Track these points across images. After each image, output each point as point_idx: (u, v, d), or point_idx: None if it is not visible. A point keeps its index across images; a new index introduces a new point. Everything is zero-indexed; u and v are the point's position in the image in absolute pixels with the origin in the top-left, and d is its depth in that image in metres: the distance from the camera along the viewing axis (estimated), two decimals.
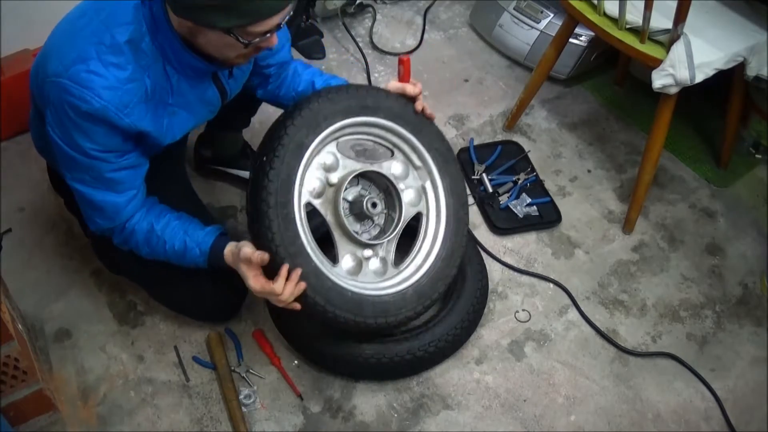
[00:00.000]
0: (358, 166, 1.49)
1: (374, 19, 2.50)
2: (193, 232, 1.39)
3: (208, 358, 1.59)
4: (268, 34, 1.21)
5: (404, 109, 1.53)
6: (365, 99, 1.48)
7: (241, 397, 1.52)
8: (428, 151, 1.56)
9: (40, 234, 1.80)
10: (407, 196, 1.54)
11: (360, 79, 2.28)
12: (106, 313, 1.66)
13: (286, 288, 1.30)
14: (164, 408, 1.52)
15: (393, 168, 1.54)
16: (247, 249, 1.32)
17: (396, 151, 1.56)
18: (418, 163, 1.56)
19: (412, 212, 1.54)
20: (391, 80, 1.54)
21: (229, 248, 1.37)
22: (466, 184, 1.96)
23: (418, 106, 1.53)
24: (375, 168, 1.50)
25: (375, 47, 2.40)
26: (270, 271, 1.32)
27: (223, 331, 1.64)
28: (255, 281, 1.31)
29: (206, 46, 1.24)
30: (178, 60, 1.27)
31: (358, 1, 2.45)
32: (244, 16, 1.14)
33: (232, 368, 1.57)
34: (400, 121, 1.52)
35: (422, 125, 1.56)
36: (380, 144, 1.57)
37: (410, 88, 1.51)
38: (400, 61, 1.53)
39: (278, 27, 1.21)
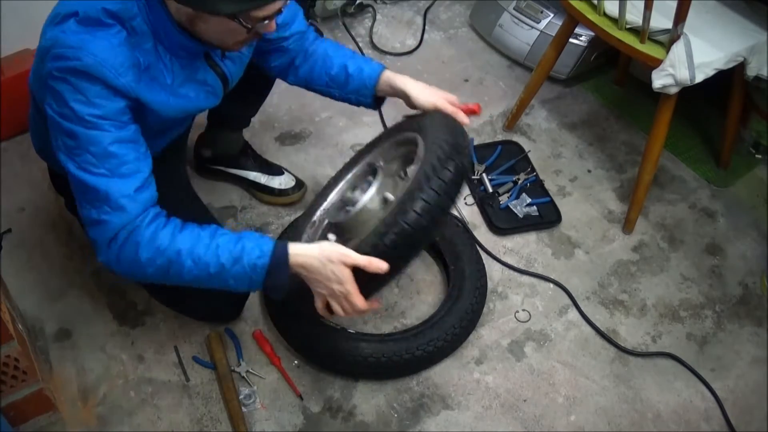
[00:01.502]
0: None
1: (374, 19, 2.50)
2: (245, 234, 1.25)
3: (208, 358, 1.59)
4: (268, 20, 1.20)
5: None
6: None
7: (241, 397, 1.52)
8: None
9: (40, 234, 1.80)
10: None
11: None
12: (106, 313, 1.66)
13: (364, 307, 1.26)
14: (164, 408, 1.52)
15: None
16: (354, 257, 1.23)
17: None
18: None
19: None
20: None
21: (298, 248, 1.24)
22: (467, 185, 1.97)
23: (462, 118, 1.46)
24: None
25: (375, 47, 2.40)
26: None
27: (223, 331, 1.64)
28: (359, 299, 1.24)
29: (206, 33, 1.23)
30: (169, 40, 1.24)
31: (358, 1, 2.45)
32: (247, 0, 1.14)
33: (232, 368, 1.57)
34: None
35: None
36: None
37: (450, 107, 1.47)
38: (473, 112, 1.49)
39: (279, 11, 1.20)
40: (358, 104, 1.58)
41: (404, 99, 1.52)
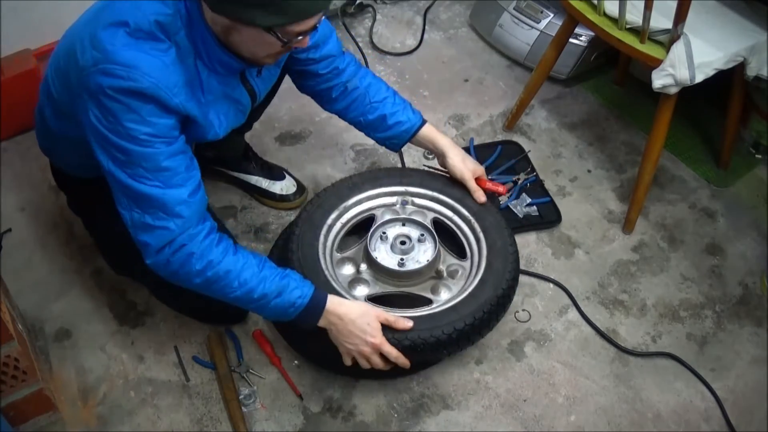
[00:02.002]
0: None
1: (374, 19, 2.50)
2: (291, 272, 1.34)
3: (208, 358, 1.59)
4: (302, 36, 1.21)
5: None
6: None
7: (241, 397, 1.52)
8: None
9: (40, 234, 1.80)
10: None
11: None
12: (106, 313, 1.66)
13: (401, 359, 1.39)
14: (164, 408, 1.52)
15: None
16: (386, 314, 1.37)
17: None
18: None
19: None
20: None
21: (335, 299, 1.36)
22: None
23: (479, 197, 1.60)
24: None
25: (375, 47, 2.40)
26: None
27: (223, 331, 1.64)
28: (391, 349, 1.36)
29: (239, 44, 1.23)
30: (209, 56, 1.25)
31: (358, 1, 2.45)
32: (285, 14, 1.14)
33: (232, 368, 1.57)
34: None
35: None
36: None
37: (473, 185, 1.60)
38: (497, 192, 1.64)
39: (314, 28, 1.21)
40: (382, 145, 1.66)
41: (439, 158, 1.63)
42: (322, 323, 1.36)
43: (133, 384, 1.56)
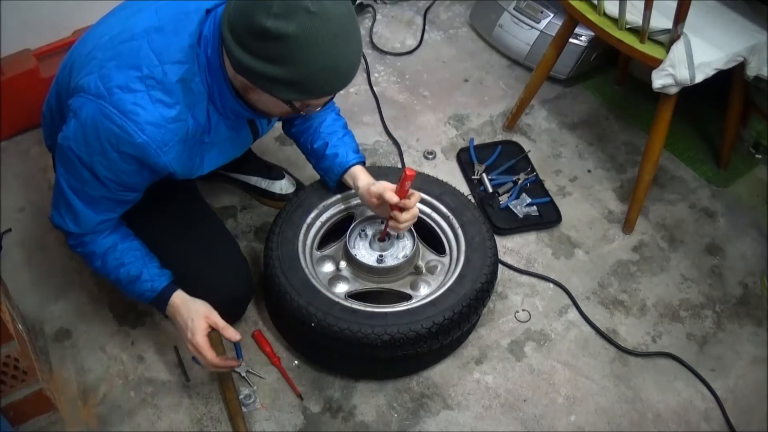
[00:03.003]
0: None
1: (374, 19, 2.50)
2: (151, 265, 1.41)
3: None
4: (320, 107, 1.22)
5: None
6: None
7: (241, 397, 1.52)
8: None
9: (40, 234, 1.80)
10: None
11: (360, 80, 2.28)
12: (106, 313, 1.66)
13: (215, 362, 1.39)
14: (164, 408, 1.52)
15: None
16: (217, 318, 1.40)
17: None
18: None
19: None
20: (387, 189, 1.45)
21: (180, 296, 1.41)
22: (467, 185, 1.98)
23: (400, 221, 1.46)
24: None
25: (375, 47, 2.40)
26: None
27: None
28: (201, 337, 1.37)
29: (256, 102, 1.25)
30: (222, 103, 1.26)
31: (358, 1, 2.45)
32: (308, 93, 1.15)
33: (232, 368, 1.57)
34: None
35: None
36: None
37: (402, 201, 1.45)
38: (407, 177, 1.39)
39: (331, 99, 1.22)
40: (323, 178, 1.65)
41: (358, 191, 1.58)
42: (168, 313, 1.43)
43: (133, 384, 1.56)
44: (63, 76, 1.33)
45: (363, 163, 1.60)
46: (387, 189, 1.44)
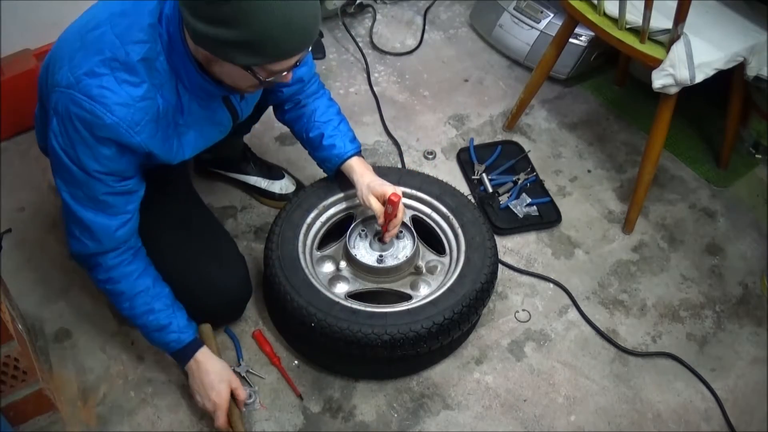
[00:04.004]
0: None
1: (374, 19, 2.50)
2: (180, 316, 1.43)
3: None
4: (285, 72, 1.21)
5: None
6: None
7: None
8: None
9: (40, 234, 1.80)
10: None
11: (360, 80, 2.29)
12: (106, 313, 1.66)
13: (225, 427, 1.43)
14: (164, 408, 1.52)
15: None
16: (239, 384, 1.45)
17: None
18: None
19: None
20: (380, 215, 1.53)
21: (205, 353, 1.44)
22: (467, 185, 1.98)
23: (386, 237, 1.57)
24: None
25: (375, 47, 2.40)
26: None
27: (223, 331, 1.64)
28: (224, 408, 1.42)
29: (221, 74, 1.24)
30: (190, 81, 1.26)
31: (358, 1, 2.45)
32: (264, 55, 1.14)
33: (232, 368, 1.57)
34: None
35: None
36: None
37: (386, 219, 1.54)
38: (390, 201, 1.49)
39: (296, 65, 1.21)
40: (321, 167, 1.67)
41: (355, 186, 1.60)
42: (187, 367, 1.44)
43: (133, 384, 1.56)
44: (42, 77, 1.34)
45: (359, 152, 1.60)
46: (379, 216, 1.53)
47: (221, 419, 1.41)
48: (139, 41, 1.19)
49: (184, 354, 1.42)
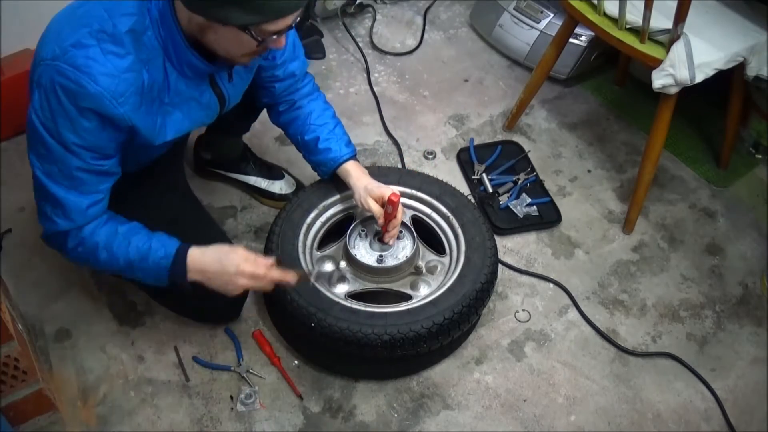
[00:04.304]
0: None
1: (374, 19, 2.50)
2: (159, 235, 1.36)
3: (209, 358, 1.59)
4: (277, 35, 1.21)
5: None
6: None
7: (241, 396, 1.52)
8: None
9: (40, 234, 1.80)
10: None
11: (360, 80, 2.29)
12: (106, 313, 1.66)
13: (274, 270, 1.36)
14: (164, 408, 1.52)
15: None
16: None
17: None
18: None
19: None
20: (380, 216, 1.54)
21: (198, 248, 1.35)
22: (467, 185, 1.98)
23: (386, 237, 1.57)
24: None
25: (375, 47, 2.40)
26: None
27: (223, 331, 1.64)
28: (245, 254, 1.34)
29: (215, 42, 1.23)
30: (178, 57, 1.26)
31: (358, 1, 2.45)
32: (261, 13, 1.14)
33: (232, 368, 1.57)
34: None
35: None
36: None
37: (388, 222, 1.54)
38: (390, 201, 1.50)
39: (290, 27, 1.21)
40: (315, 170, 1.67)
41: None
42: (192, 277, 1.35)
43: (133, 384, 1.56)
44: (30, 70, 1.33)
45: (355, 156, 1.61)
46: (379, 217, 1.54)
47: (264, 268, 1.35)
48: (127, 14, 1.19)
49: (179, 262, 1.33)
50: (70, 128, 1.21)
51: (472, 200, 1.78)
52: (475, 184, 1.99)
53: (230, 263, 1.33)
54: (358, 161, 1.62)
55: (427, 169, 2.02)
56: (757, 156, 2.15)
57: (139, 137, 1.30)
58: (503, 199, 1.94)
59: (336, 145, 1.58)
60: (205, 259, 1.34)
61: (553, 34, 2.01)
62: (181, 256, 1.33)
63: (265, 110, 1.79)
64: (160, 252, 1.33)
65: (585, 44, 2.19)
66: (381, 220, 1.54)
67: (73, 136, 1.22)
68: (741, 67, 1.71)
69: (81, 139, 1.22)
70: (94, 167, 1.27)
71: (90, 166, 1.26)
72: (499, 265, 1.81)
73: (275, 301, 1.54)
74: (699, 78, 1.62)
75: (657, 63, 1.64)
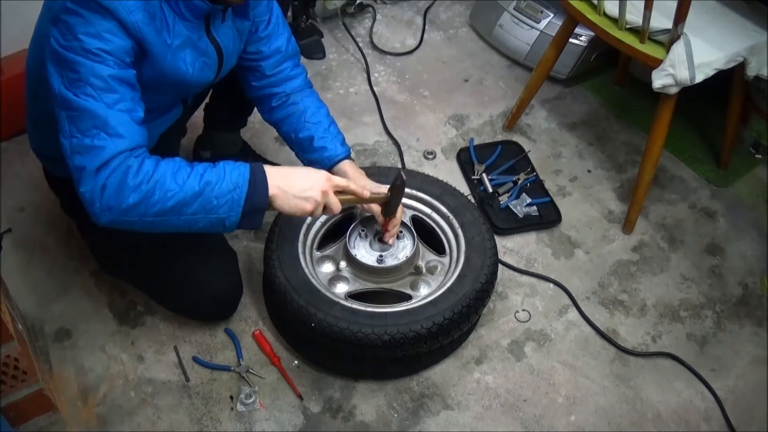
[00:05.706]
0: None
1: (374, 19, 2.50)
2: (224, 161, 1.28)
3: (209, 358, 1.59)
4: None
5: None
6: None
7: (241, 396, 1.52)
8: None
9: (40, 234, 1.80)
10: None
11: (360, 80, 2.29)
12: (106, 313, 1.66)
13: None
14: (164, 408, 1.52)
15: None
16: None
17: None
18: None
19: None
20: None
21: (271, 166, 1.30)
22: (467, 185, 1.98)
23: (386, 237, 1.57)
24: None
25: (375, 47, 2.40)
26: None
27: (224, 331, 1.64)
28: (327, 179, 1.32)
29: None
30: None
31: (358, 1, 2.45)
32: None
33: (232, 368, 1.57)
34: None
35: None
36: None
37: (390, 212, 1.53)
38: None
39: None
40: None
41: None
42: (274, 185, 1.27)
43: (133, 384, 1.56)
44: (29, 57, 1.34)
45: (350, 156, 1.60)
46: (379, 217, 1.54)
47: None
48: None
49: (260, 173, 1.26)
50: (93, 33, 1.17)
51: (472, 200, 1.78)
52: (475, 184, 1.99)
53: (314, 171, 1.32)
54: (354, 161, 1.61)
55: (427, 169, 2.02)
56: (757, 156, 2.15)
57: (152, 57, 1.26)
58: (503, 199, 1.94)
59: (331, 144, 1.58)
60: (284, 168, 1.30)
61: (553, 34, 2.01)
62: (258, 167, 1.26)
63: (254, 109, 1.78)
64: (235, 171, 1.24)
65: (585, 44, 2.19)
66: (381, 219, 1.54)
67: (97, 41, 1.17)
68: (741, 67, 1.71)
69: (105, 43, 1.18)
70: (124, 77, 1.21)
71: (120, 74, 1.20)
72: (499, 265, 1.81)
73: (275, 301, 1.54)
74: (699, 78, 1.63)
75: (657, 63, 1.64)
